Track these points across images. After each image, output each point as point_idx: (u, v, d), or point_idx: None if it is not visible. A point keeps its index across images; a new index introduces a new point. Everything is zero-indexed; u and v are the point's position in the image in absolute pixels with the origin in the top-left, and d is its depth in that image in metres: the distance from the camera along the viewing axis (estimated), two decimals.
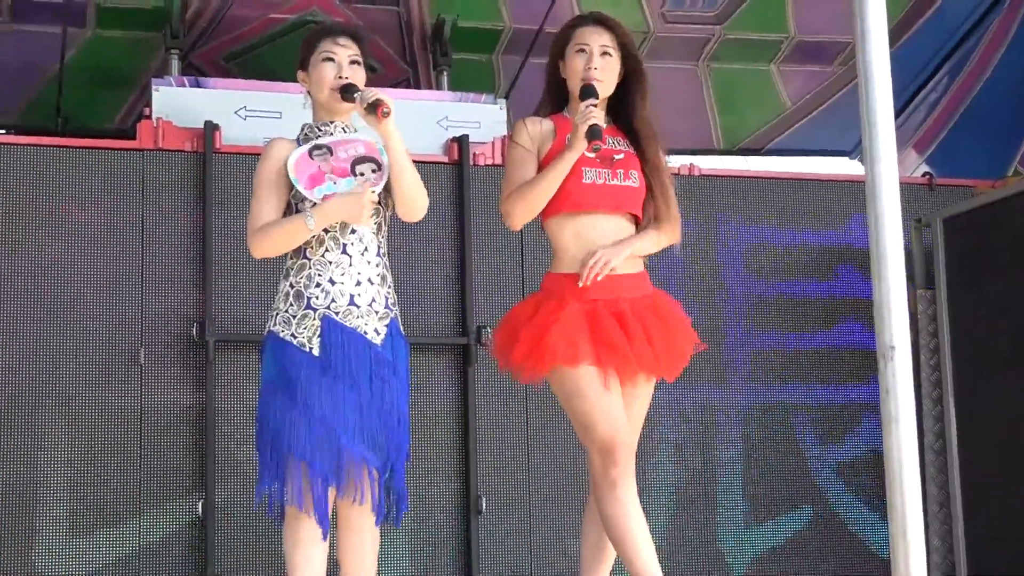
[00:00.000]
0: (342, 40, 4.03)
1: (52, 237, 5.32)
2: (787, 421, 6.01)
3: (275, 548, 5.31)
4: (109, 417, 5.27)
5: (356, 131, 4.03)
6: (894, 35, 6.78)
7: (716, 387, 5.95)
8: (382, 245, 3.98)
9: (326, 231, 3.88)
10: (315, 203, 3.85)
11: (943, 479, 5.85)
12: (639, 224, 4.15)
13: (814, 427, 6.02)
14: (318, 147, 3.92)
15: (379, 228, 3.97)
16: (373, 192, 3.87)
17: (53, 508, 5.19)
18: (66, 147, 5.46)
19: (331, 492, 3.82)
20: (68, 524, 5.19)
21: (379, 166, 3.93)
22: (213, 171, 5.48)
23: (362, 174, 3.90)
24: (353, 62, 4.01)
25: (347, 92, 3.93)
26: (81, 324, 5.29)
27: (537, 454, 5.67)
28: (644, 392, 4.13)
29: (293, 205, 3.91)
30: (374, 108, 3.81)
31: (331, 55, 3.99)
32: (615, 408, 3.96)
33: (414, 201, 3.96)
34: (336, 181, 3.88)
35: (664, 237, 4.19)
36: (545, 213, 4.08)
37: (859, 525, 5.97)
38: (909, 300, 5.91)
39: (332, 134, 4.00)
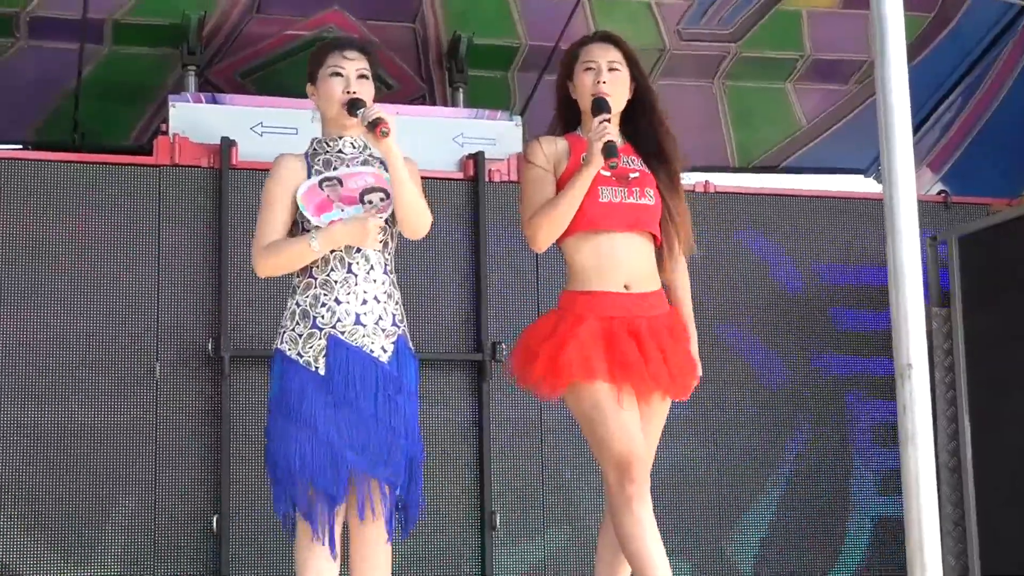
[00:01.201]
0: (350, 54, 4.02)
1: (69, 253, 5.34)
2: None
3: (290, 564, 5.31)
4: (125, 431, 5.28)
5: (365, 146, 4.04)
6: (910, 54, 6.77)
7: (727, 403, 5.95)
8: (388, 263, 3.97)
9: (331, 250, 3.88)
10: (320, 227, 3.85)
11: (957, 497, 5.84)
12: (657, 242, 4.15)
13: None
14: (328, 179, 3.92)
15: (385, 246, 3.97)
16: (380, 217, 3.88)
17: (69, 523, 5.19)
18: (83, 163, 5.48)
19: (341, 510, 3.83)
20: (85, 538, 5.19)
21: (387, 195, 3.94)
22: (229, 187, 5.50)
23: (370, 202, 3.91)
24: (361, 76, 4.00)
25: (353, 107, 3.93)
26: (97, 339, 5.30)
27: (552, 471, 5.67)
28: (660, 410, 4.14)
29: (300, 224, 3.92)
30: (373, 127, 3.81)
31: (339, 69, 3.99)
32: (631, 425, 3.96)
33: (416, 219, 3.95)
34: (344, 208, 3.89)
35: (685, 269, 4.23)
36: (561, 233, 4.09)
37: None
38: (925, 318, 5.93)
39: (341, 149, 4.00)
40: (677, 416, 5.34)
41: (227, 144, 5.53)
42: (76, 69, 6.52)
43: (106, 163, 5.49)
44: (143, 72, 6.55)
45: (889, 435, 6.01)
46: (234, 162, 5.53)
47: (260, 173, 5.49)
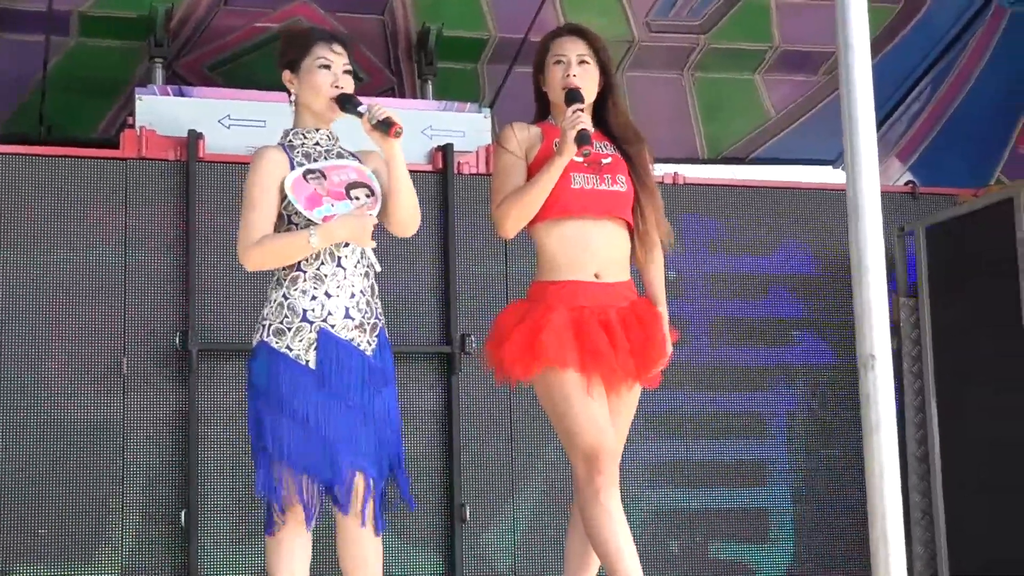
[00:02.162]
0: (337, 48, 4.01)
1: (35, 246, 5.31)
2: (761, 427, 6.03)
3: (259, 558, 5.31)
4: (92, 426, 5.26)
5: (338, 139, 4.03)
6: (878, 45, 6.85)
7: (694, 393, 5.97)
8: (371, 258, 3.98)
9: None
10: (313, 221, 3.83)
11: (925, 487, 5.87)
12: (630, 228, 4.16)
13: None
14: (311, 171, 3.90)
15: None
16: (371, 215, 3.88)
17: (35, 517, 5.17)
18: (49, 156, 5.45)
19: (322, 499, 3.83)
20: (50, 534, 5.17)
21: (372, 192, 3.94)
22: (197, 180, 5.48)
23: (357, 198, 3.90)
24: (346, 71, 4.00)
25: (347, 104, 3.92)
26: (64, 333, 5.28)
27: (521, 462, 5.68)
28: (629, 400, 4.15)
29: (285, 216, 3.90)
30: (387, 128, 3.80)
31: (327, 62, 3.97)
32: (600, 416, 3.96)
33: (411, 220, 3.99)
34: (333, 204, 3.88)
35: (661, 262, 4.24)
36: (532, 219, 4.09)
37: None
38: (892, 308, 5.95)
39: (318, 141, 3.99)
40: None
41: (194, 137, 5.51)
42: (42, 62, 6.49)
43: (72, 156, 5.47)
44: (110, 65, 6.52)
45: None
46: (201, 155, 5.52)
47: (227, 166, 5.51)
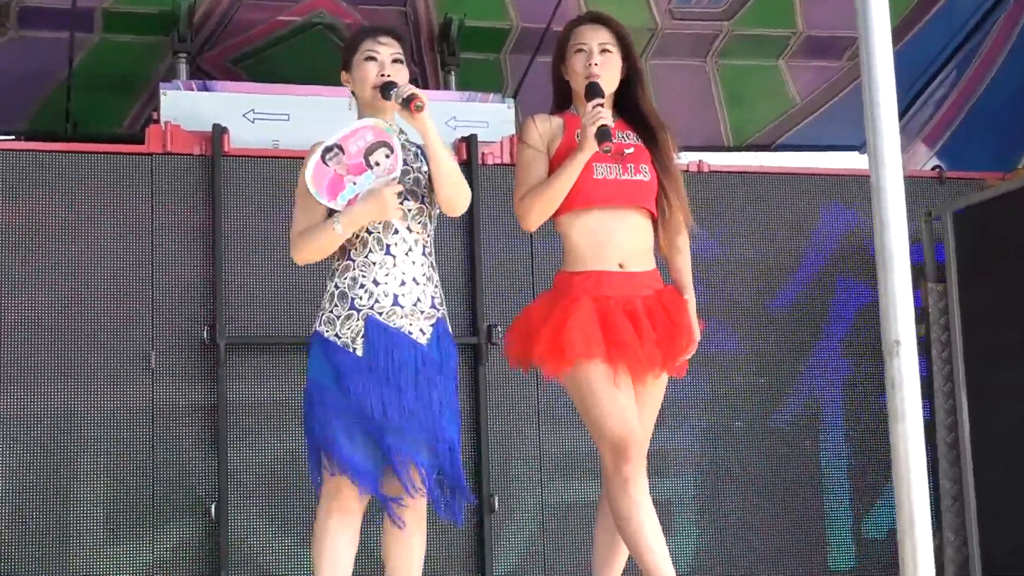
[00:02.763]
0: (383, 39, 4.03)
1: (63, 242, 5.34)
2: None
3: (288, 549, 5.33)
4: (121, 421, 5.28)
5: (402, 131, 4.03)
6: (901, 31, 6.81)
7: (724, 382, 5.96)
8: (428, 245, 3.98)
9: (369, 232, 3.89)
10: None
11: (956, 473, 5.84)
12: (653, 218, 4.16)
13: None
14: (328, 149, 3.90)
15: (424, 227, 3.98)
16: (394, 181, 3.87)
17: (67, 511, 5.20)
18: (76, 152, 5.48)
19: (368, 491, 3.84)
20: (82, 527, 5.20)
21: (391, 149, 3.91)
22: (222, 174, 5.49)
23: (377, 163, 3.89)
24: (396, 60, 4.01)
25: (386, 90, 3.93)
26: (92, 328, 5.30)
27: (549, 452, 5.68)
28: (656, 390, 4.14)
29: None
30: (407, 103, 3.82)
31: (374, 54, 4.00)
32: (627, 406, 3.96)
33: (455, 193, 3.96)
34: (355, 181, 3.87)
35: (687, 250, 4.23)
36: (557, 210, 4.08)
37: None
38: (921, 294, 5.93)
39: None
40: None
41: (219, 131, 5.53)
42: (67, 58, 6.51)
43: (99, 152, 5.49)
44: (134, 60, 6.53)
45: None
46: (226, 149, 5.53)
47: (252, 160, 5.53)
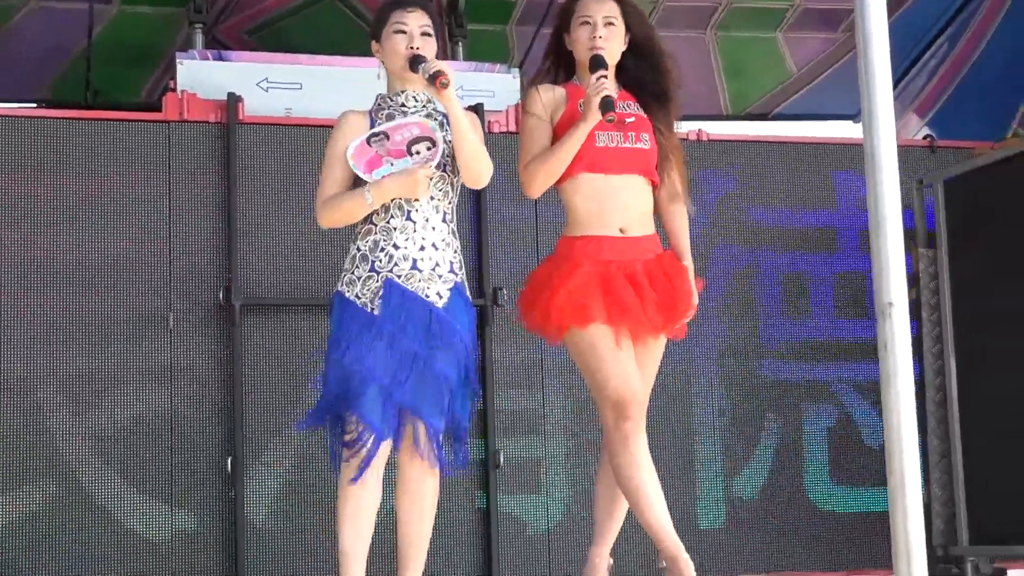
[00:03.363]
0: (412, 11, 4.03)
1: (83, 206, 5.33)
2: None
3: (301, 500, 5.34)
4: (140, 378, 5.29)
5: (429, 100, 4.04)
6: (894, 3, 6.78)
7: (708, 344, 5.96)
8: (449, 213, 4.01)
9: (392, 199, 3.91)
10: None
11: (943, 431, 5.85)
12: (653, 185, 4.16)
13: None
14: (375, 134, 3.95)
15: (445, 195, 4.00)
16: (429, 166, 3.90)
17: (87, 463, 5.21)
18: (96, 120, 5.47)
19: (386, 445, 3.86)
20: (102, 478, 5.22)
21: (433, 143, 3.95)
22: (237, 141, 5.48)
23: (417, 152, 3.93)
24: (424, 33, 4.01)
25: (414, 63, 3.94)
26: (112, 289, 5.30)
27: (552, 410, 5.69)
28: (655, 350, 4.16)
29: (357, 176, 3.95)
30: (433, 79, 3.83)
31: (403, 27, 4.00)
32: (627, 366, 3.97)
33: (477, 168, 3.97)
34: (392, 162, 3.92)
35: (685, 216, 4.23)
36: (560, 177, 4.08)
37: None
38: (912, 259, 5.92)
39: (404, 103, 4.02)
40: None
41: (234, 100, 5.51)
42: (87, 29, 6.50)
43: (118, 120, 5.48)
44: (151, 31, 6.52)
45: None
46: (241, 117, 5.52)
47: (266, 127, 5.53)
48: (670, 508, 3.97)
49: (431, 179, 3.92)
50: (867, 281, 5.97)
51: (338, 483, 3.92)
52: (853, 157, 6.20)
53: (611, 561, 4.31)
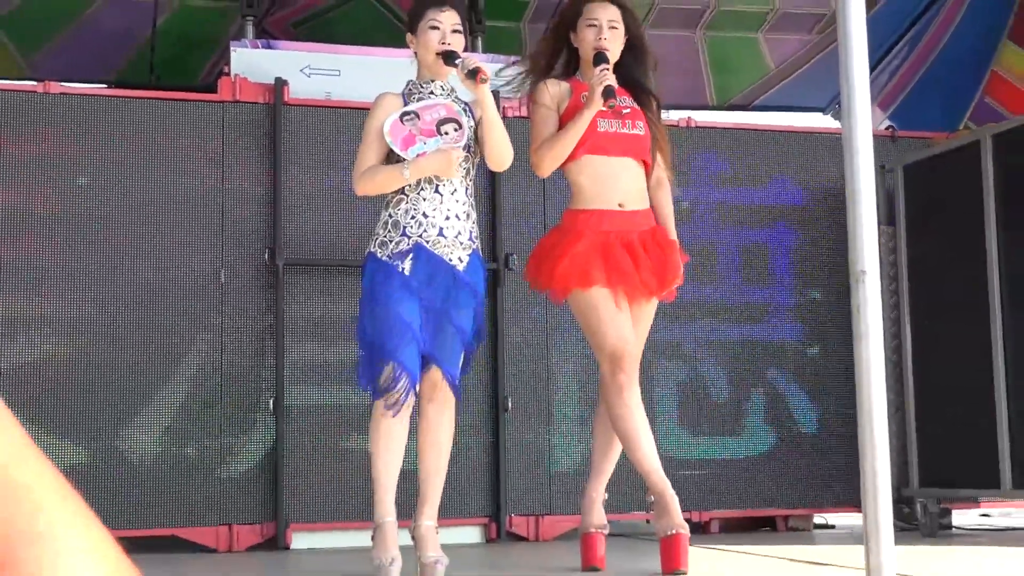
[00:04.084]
0: (446, 10, 4.03)
1: (147, 176, 5.30)
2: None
3: (333, 439, 5.33)
4: (194, 328, 5.27)
5: (453, 90, 4.03)
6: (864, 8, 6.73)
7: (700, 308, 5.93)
8: (470, 187, 4.04)
9: None
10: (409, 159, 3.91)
11: (899, 387, 5.83)
12: (646, 167, 4.15)
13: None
14: (407, 113, 3.95)
15: (467, 173, 4.01)
16: (459, 146, 3.90)
17: (145, 405, 5.20)
18: (159, 99, 5.44)
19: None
20: (161, 411, 5.20)
21: (459, 125, 3.95)
22: (282, 120, 5.45)
23: (446, 133, 3.94)
24: (455, 30, 4.01)
25: (449, 58, 3.95)
26: (170, 248, 5.28)
27: (555, 362, 5.67)
28: (648, 310, 4.16)
29: (394, 152, 3.95)
30: (473, 75, 3.84)
31: (437, 23, 4.00)
32: (624, 324, 3.98)
33: (502, 155, 4.00)
34: (425, 141, 3.91)
35: (669, 194, 4.24)
36: (566, 158, 4.08)
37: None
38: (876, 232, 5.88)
39: (432, 91, 4.03)
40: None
41: (280, 84, 5.48)
42: (151, 20, 6.46)
43: (178, 100, 5.45)
44: (208, 22, 6.49)
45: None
46: (286, 99, 5.48)
47: (308, 108, 5.50)
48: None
49: (460, 160, 3.92)
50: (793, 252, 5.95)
51: (372, 418, 3.91)
52: (822, 144, 6.16)
53: (606, 495, 4.31)
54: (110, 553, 0.81)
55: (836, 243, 5.84)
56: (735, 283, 5.97)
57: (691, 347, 5.86)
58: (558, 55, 4.28)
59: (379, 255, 3.92)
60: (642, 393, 4.05)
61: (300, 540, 5.29)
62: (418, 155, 3.89)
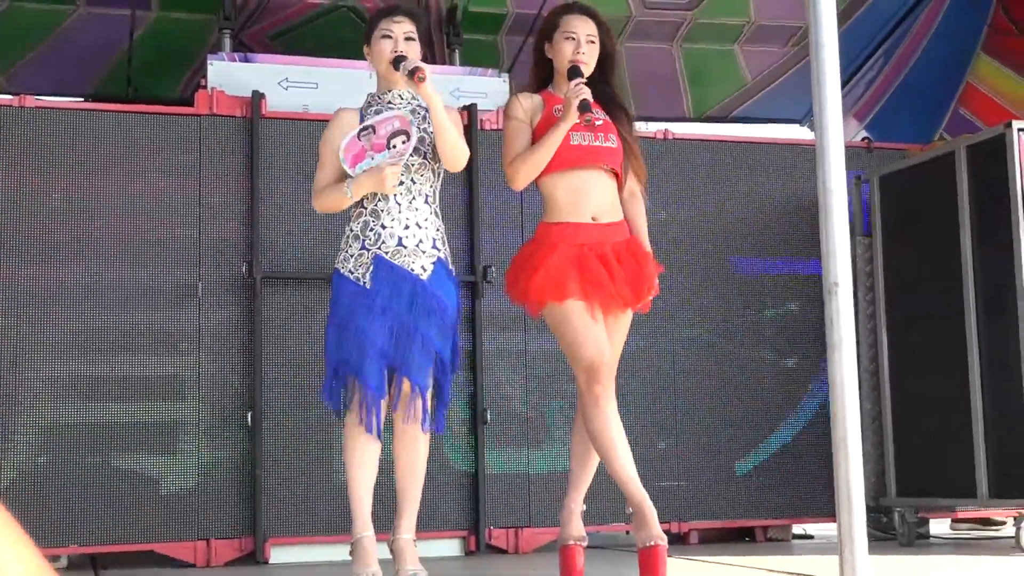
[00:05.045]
0: (398, 18, 4.02)
1: (124, 188, 5.30)
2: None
3: (311, 452, 5.33)
4: (171, 340, 5.26)
5: (414, 97, 4.01)
6: (838, 21, 6.77)
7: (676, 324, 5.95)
8: (431, 194, 4.00)
9: None
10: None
11: (876, 396, 5.86)
12: (618, 177, 4.16)
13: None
14: (364, 128, 3.93)
15: (427, 180, 3.98)
16: (397, 162, 3.87)
17: (121, 417, 5.19)
18: (135, 113, 5.43)
19: (383, 403, 3.85)
20: (136, 427, 5.19)
21: (408, 136, 3.92)
22: (260, 133, 5.45)
23: (394, 146, 3.91)
24: (408, 38, 3.99)
25: (397, 63, 3.92)
26: (149, 262, 5.27)
27: (533, 374, 5.68)
28: (623, 321, 4.15)
29: None
30: (412, 75, 3.81)
31: (389, 32, 3.98)
32: (599, 335, 3.97)
33: (454, 154, 3.96)
34: (373, 156, 3.89)
35: (642, 206, 4.24)
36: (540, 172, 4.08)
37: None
38: (851, 246, 5.92)
39: (391, 101, 4.01)
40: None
41: (257, 97, 5.48)
42: (128, 33, 6.46)
43: (155, 113, 5.44)
44: (186, 35, 6.49)
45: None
46: (264, 112, 5.48)
47: (285, 121, 5.50)
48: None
49: (400, 174, 3.89)
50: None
51: (343, 433, 3.91)
52: (799, 155, 6.19)
53: (584, 507, 4.31)
54: (34, 560, 0.86)
55: (813, 254, 5.87)
56: (713, 294, 5.99)
57: (669, 357, 5.87)
58: (545, 67, 4.28)
59: (342, 270, 3.91)
60: (619, 403, 4.05)
61: (278, 554, 5.28)
62: (364, 171, 3.89)
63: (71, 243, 5.19)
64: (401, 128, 3.92)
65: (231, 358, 5.32)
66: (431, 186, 4.00)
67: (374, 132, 3.91)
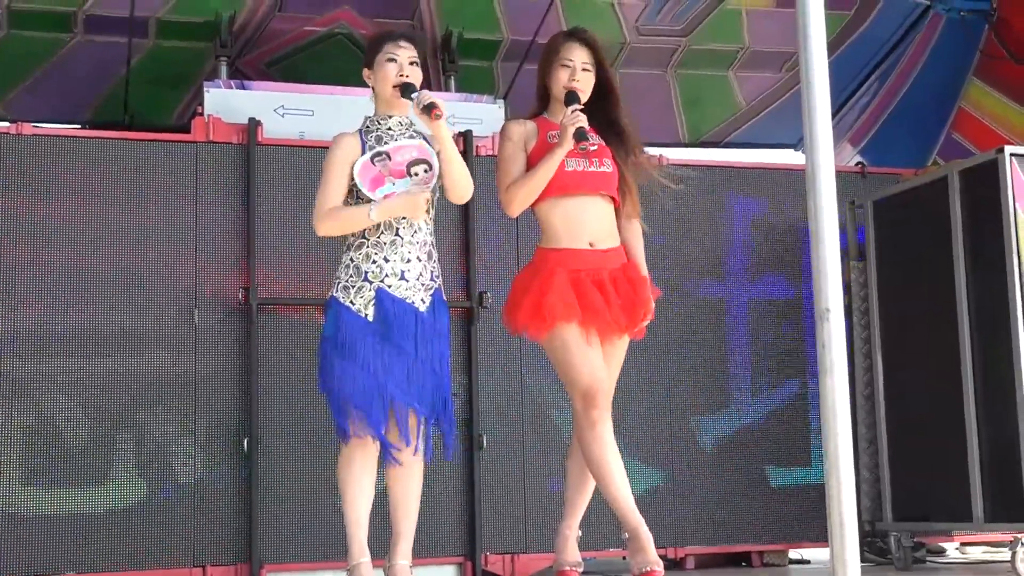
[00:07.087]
0: (403, 43, 4.02)
1: (120, 215, 5.31)
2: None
3: (307, 479, 5.32)
4: (169, 367, 5.27)
5: (412, 124, 4.03)
6: (832, 46, 6.81)
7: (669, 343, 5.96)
8: (429, 224, 4.00)
9: None
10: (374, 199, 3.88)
11: (871, 421, 5.87)
12: (615, 203, 4.17)
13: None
14: (378, 154, 3.92)
15: (427, 211, 3.98)
16: (427, 188, 3.88)
17: (120, 443, 5.19)
18: (132, 140, 5.45)
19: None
20: (133, 456, 5.19)
21: (430, 166, 3.93)
22: (256, 160, 5.47)
23: (416, 174, 3.92)
24: (412, 63, 3.99)
25: (406, 91, 3.92)
26: (145, 289, 5.28)
27: (529, 399, 5.68)
28: (620, 347, 4.18)
29: (354, 192, 3.92)
30: (428, 110, 3.81)
31: (394, 56, 3.98)
32: (596, 361, 3.99)
33: (463, 190, 4.00)
34: (394, 182, 3.90)
35: (639, 230, 4.26)
36: (536, 199, 4.10)
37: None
38: (844, 271, 5.93)
39: (390, 126, 4.00)
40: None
41: (254, 124, 5.50)
42: (125, 60, 6.48)
43: (152, 140, 5.46)
44: (182, 62, 6.51)
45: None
46: (260, 139, 5.50)
47: (281, 148, 5.52)
48: None
49: (428, 201, 3.91)
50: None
51: (339, 461, 3.91)
52: (794, 180, 6.21)
53: (580, 532, 4.31)
54: None
55: (807, 280, 5.88)
56: (709, 319, 6.00)
57: (663, 384, 5.88)
58: (546, 93, 4.30)
59: (342, 300, 3.90)
60: (614, 429, 4.05)
61: None
62: (385, 196, 3.89)
63: (67, 269, 5.20)
64: (420, 157, 3.94)
65: (227, 384, 5.32)
66: (430, 216, 4.02)
67: (389, 159, 3.92)
